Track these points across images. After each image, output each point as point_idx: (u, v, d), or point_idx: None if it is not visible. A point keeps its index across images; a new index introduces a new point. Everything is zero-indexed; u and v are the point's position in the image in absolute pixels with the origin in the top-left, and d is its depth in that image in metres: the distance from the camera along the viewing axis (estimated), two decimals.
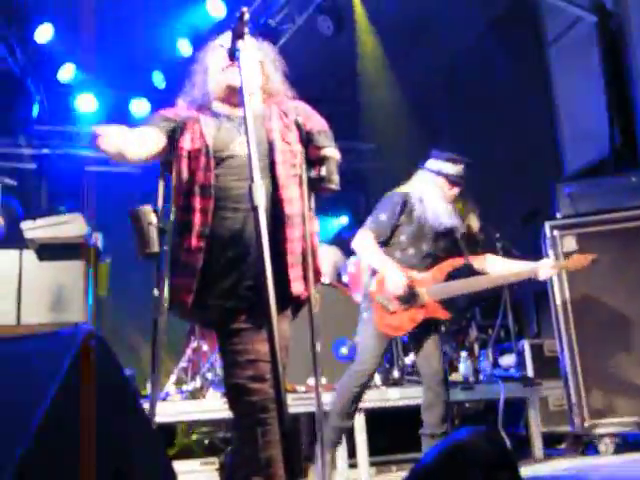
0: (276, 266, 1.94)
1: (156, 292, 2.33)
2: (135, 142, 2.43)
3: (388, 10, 7.00)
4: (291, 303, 2.44)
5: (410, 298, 3.77)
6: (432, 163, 4.00)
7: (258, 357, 2.26)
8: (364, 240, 3.88)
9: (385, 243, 3.92)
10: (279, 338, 2.26)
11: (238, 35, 2.23)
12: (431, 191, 3.92)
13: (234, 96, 2.50)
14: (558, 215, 4.86)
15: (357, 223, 6.12)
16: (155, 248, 2.32)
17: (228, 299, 2.34)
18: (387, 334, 3.81)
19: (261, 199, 1.97)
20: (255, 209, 1.96)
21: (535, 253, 4.97)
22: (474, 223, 4.09)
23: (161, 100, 2.64)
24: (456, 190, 3.97)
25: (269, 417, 2.23)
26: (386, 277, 3.76)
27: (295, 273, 2.40)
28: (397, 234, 3.91)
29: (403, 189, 4.00)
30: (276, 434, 2.16)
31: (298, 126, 2.55)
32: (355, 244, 3.95)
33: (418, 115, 7.74)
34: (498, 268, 3.93)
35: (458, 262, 3.95)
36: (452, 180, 3.93)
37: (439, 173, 3.94)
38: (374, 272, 3.90)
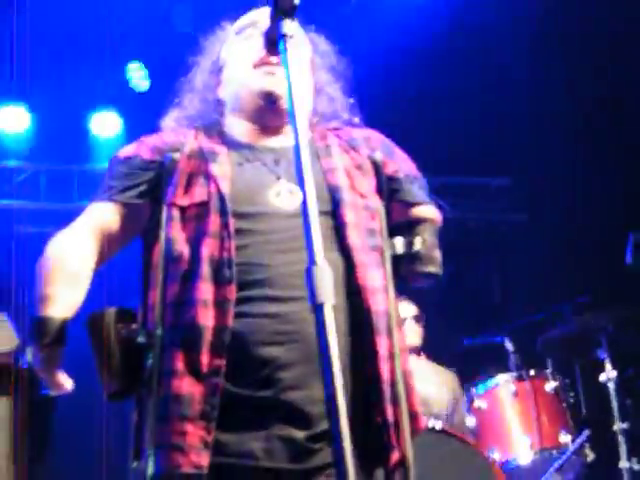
0: (361, 402, 1.29)
1: (135, 464, 1.38)
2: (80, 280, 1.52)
3: None
4: (383, 465, 1.46)
5: None
6: None
7: None
8: None
9: None
10: None
11: (284, 11, 1.29)
12: None
13: (269, 112, 1.59)
14: None
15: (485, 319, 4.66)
16: (128, 383, 1.39)
17: (271, 457, 1.38)
18: None
19: (329, 292, 1.09)
20: (319, 309, 1.08)
21: None
22: None
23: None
24: None
25: None
26: None
27: (390, 414, 1.45)
28: None
29: None
30: None
31: (376, 167, 1.57)
32: None
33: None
34: None
35: None
36: None
37: None
38: None
